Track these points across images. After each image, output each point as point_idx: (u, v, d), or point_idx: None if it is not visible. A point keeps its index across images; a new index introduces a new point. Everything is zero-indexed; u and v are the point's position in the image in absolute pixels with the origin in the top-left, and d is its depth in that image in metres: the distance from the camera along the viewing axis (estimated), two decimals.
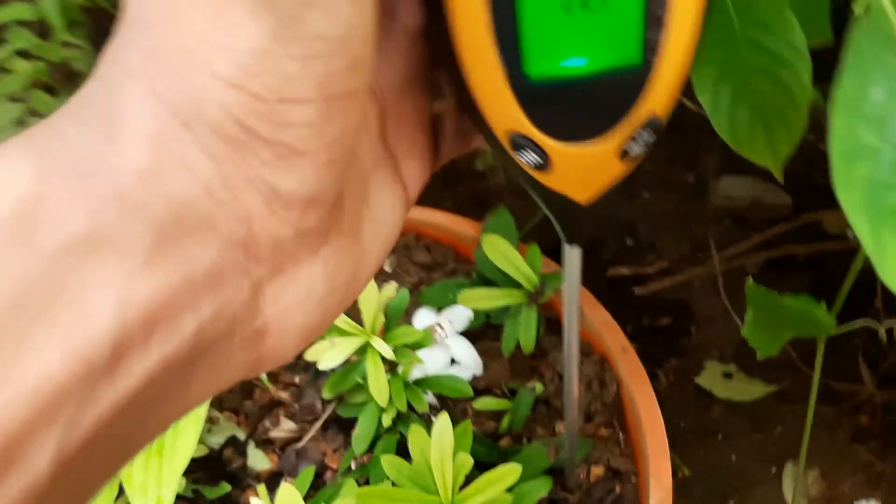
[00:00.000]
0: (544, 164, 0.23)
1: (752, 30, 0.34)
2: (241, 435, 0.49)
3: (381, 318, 0.46)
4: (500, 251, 0.49)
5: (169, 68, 0.17)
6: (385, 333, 0.46)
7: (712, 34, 0.34)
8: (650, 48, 0.21)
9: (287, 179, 0.18)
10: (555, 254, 0.56)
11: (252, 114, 0.17)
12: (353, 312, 0.49)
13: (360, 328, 0.46)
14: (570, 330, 0.33)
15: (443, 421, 0.37)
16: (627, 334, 0.71)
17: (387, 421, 0.45)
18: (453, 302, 0.52)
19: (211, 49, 0.17)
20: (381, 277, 0.56)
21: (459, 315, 0.52)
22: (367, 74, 0.19)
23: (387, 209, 0.24)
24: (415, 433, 0.38)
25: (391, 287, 0.46)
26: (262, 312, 0.19)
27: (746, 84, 0.34)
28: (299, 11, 0.16)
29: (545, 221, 0.80)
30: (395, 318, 0.47)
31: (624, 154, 0.23)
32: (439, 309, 0.53)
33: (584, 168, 0.23)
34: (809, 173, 0.77)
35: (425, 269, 0.57)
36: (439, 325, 0.50)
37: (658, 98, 0.21)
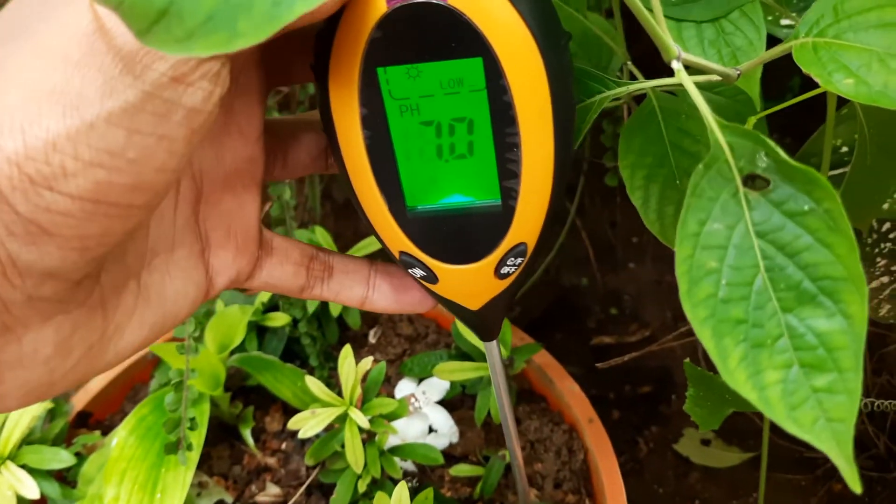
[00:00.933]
0: (431, 278, 0.27)
1: (678, 137, 0.38)
2: (229, 499, 0.52)
3: (359, 390, 0.49)
4: None
5: None
6: (363, 404, 0.50)
7: (643, 141, 0.38)
8: (509, 191, 0.25)
9: (28, 252, 0.18)
10: (531, 328, 0.59)
11: (16, 191, 0.18)
12: (336, 382, 0.52)
13: (340, 399, 0.49)
14: (505, 413, 0.36)
15: (400, 490, 0.40)
16: (609, 402, 0.74)
17: (362, 487, 0.48)
18: (433, 373, 0.55)
19: (7, 125, 0.17)
20: (366, 349, 0.60)
21: (437, 386, 0.55)
22: (156, 197, 0.20)
23: (171, 291, 0.24)
24: (380, 500, 0.42)
25: (368, 360, 0.49)
26: None
27: (673, 185, 0.38)
28: (104, 124, 0.18)
29: (521, 297, 0.84)
30: (373, 389, 0.50)
31: (498, 273, 0.27)
32: (420, 379, 0.56)
33: (467, 284, 0.27)
34: None
35: (408, 340, 0.61)
36: (414, 395, 0.54)
37: (522, 231, 0.25)
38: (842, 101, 0.38)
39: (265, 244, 0.27)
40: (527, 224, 0.25)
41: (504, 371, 0.34)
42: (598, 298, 0.82)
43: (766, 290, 0.22)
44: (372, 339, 0.61)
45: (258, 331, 0.58)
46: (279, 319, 0.57)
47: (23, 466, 0.47)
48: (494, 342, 0.32)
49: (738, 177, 0.22)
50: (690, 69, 0.26)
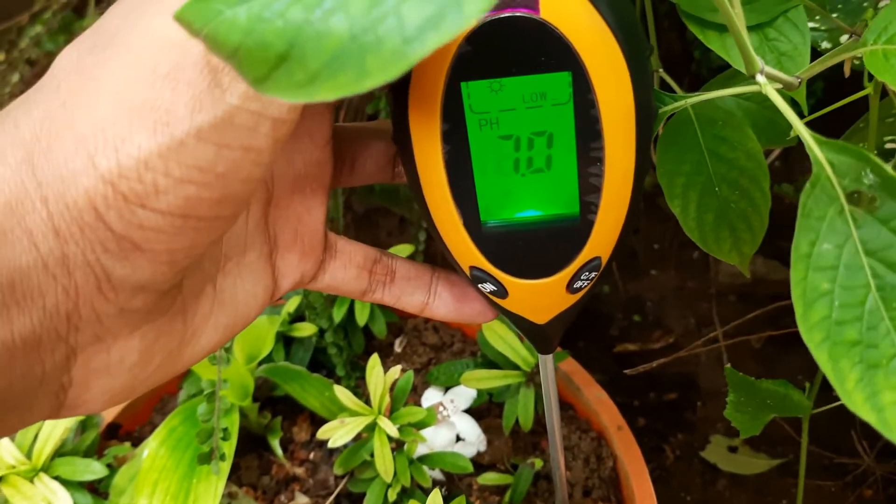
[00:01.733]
0: (501, 293, 0.27)
1: (715, 144, 0.38)
2: None
3: (388, 399, 0.49)
4: (499, 334, 0.53)
5: (54, 143, 0.18)
6: (391, 413, 0.50)
7: (680, 148, 0.38)
8: (589, 205, 0.24)
9: (122, 268, 0.19)
10: None
11: (111, 209, 0.18)
12: (363, 392, 0.52)
13: (368, 408, 0.49)
14: (553, 424, 0.36)
15: (434, 497, 0.40)
16: (635, 409, 0.74)
17: (392, 496, 0.48)
18: (459, 382, 0.55)
19: (100, 142, 0.18)
20: (391, 358, 0.60)
21: (464, 394, 0.55)
22: (242, 206, 0.20)
23: (242, 294, 0.24)
24: None
25: (396, 369, 0.49)
26: (70, 371, 0.20)
27: (711, 191, 0.38)
28: (193, 141, 0.18)
29: None
30: (401, 398, 0.50)
31: (570, 288, 0.26)
32: (446, 388, 0.56)
33: (537, 298, 0.27)
34: None
35: (434, 349, 0.61)
36: (442, 404, 0.54)
37: (599, 245, 0.25)
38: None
39: (329, 246, 0.27)
40: (603, 238, 0.25)
41: (556, 383, 0.33)
42: (620, 305, 0.82)
43: (878, 310, 0.21)
44: (398, 349, 0.61)
45: (285, 341, 0.58)
46: (306, 329, 0.57)
47: (56, 478, 0.48)
48: (551, 355, 0.32)
49: (842, 195, 0.22)
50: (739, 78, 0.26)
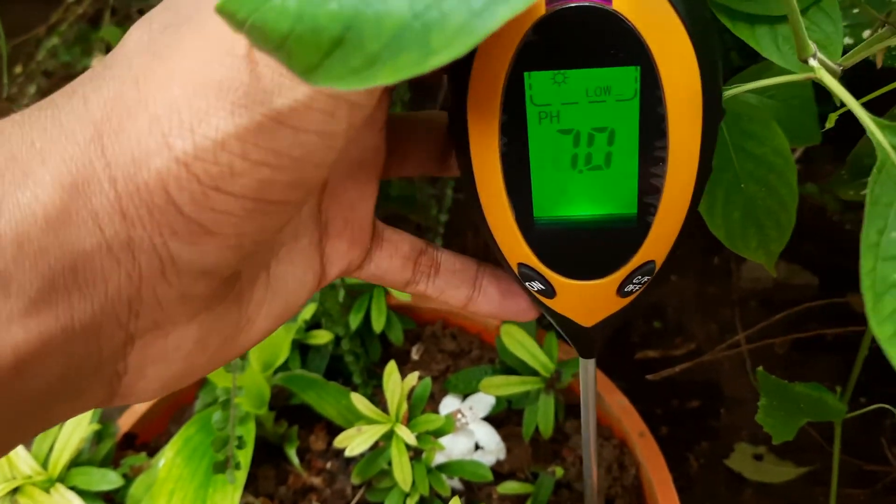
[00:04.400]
0: (549, 292, 0.26)
1: (742, 139, 0.37)
2: None
3: (405, 406, 0.49)
4: (518, 340, 0.52)
5: (126, 122, 0.17)
6: (409, 421, 0.49)
7: None
8: (647, 207, 0.24)
9: (189, 252, 0.18)
10: None
11: (183, 191, 0.17)
12: (380, 400, 0.51)
13: (386, 416, 0.48)
14: (589, 428, 0.35)
15: None
16: (657, 417, 0.73)
17: None
18: (478, 389, 0.54)
19: (175, 122, 0.17)
20: (409, 366, 0.59)
21: (482, 401, 0.54)
22: (311, 192, 0.20)
23: (292, 281, 0.24)
24: None
25: (413, 376, 0.49)
26: (126, 358, 0.20)
27: (738, 188, 0.37)
28: (272, 124, 0.17)
29: None
30: (419, 405, 0.50)
31: (621, 291, 0.25)
32: (464, 395, 0.56)
33: (586, 300, 0.26)
34: (834, 254, 0.79)
35: (452, 356, 0.60)
36: (460, 411, 0.53)
37: (654, 248, 0.24)
38: None
39: (377, 235, 0.26)
40: (659, 241, 0.24)
41: (595, 389, 0.32)
42: (640, 312, 0.81)
43: None
44: (415, 356, 0.60)
45: (301, 349, 0.58)
46: (322, 337, 0.56)
47: (72, 488, 0.47)
48: (592, 360, 0.31)
49: None
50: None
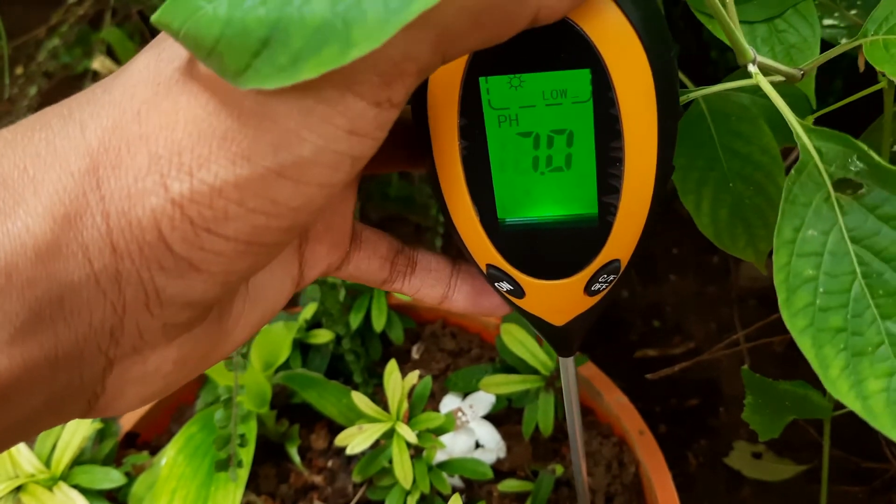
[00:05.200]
0: (518, 292, 0.26)
1: (729, 138, 0.37)
2: None
3: (406, 405, 0.49)
4: (518, 339, 0.52)
5: (125, 157, 0.17)
6: (410, 419, 0.49)
7: (693, 143, 0.38)
8: (608, 206, 0.24)
9: (175, 286, 0.18)
10: None
11: (175, 231, 0.17)
12: (381, 399, 0.52)
13: (387, 414, 0.49)
14: (574, 429, 0.35)
15: (455, 502, 0.40)
16: (656, 415, 0.73)
17: (412, 503, 0.47)
18: (478, 387, 0.54)
19: (175, 164, 0.17)
20: (409, 364, 0.60)
21: (482, 400, 0.55)
22: (302, 232, 0.20)
23: (271, 289, 0.24)
24: None
25: (414, 375, 0.49)
26: (104, 381, 0.20)
27: (726, 187, 0.37)
28: (273, 176, 0.17)
29: None
30: (419, 404, 0.50)
31: (588, 290, 0.26)
32: (464, 394, 0.56)
33: (555, 299, 0.26)
34: None
35: (452, 355, 0.60)
36: (461, 410, 0.53)
37: (618, 247, 0.25)
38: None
39: (355, 237, 0.26)
40: (623, 240, 0.24)
41: (577, 388, 0.33)
42: (639, 311, 0.81)
43: (864, 297, 0.21)
44: (415, 355, 0.60)
45: (302, 348, 0.58)
46: (323, 336, 0.57)
47: (75, 487, 0.48)
48: (571, 358, 0.31)
49: (829, 181, 0.22)
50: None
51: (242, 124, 0.17)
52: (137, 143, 0.17)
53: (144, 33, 0.78)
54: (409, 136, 0.27)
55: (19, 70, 0.75)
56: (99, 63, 0.72)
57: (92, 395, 0.20)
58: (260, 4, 0.16)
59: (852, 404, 0.21)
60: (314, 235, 0.24)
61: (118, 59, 0.74)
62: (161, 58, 0.19)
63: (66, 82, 0.78)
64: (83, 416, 0.21)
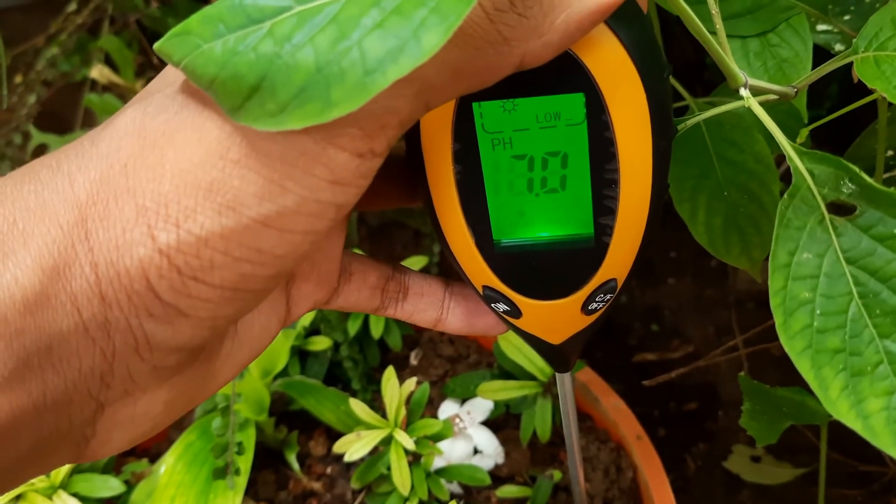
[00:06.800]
0: (515, 313, 0.26)
1: (723, 147, 0.37)
2: None
3: (404, 411, 0.49)
4: (515, 345, 0.52)
5: (113, 209, 0.18)
6: (408, 426, 0.49)
7: (688, 152, 0.38)
8: (603, 227, 0.24)
9: (164, 331, 0.19)
10: None
11: (163, 279, 0.18)
12: (379, 405, 0.52)
13: (385, 421, 0.49)
14: (571, 439, 0.35)
15: None
16: (655, 419, 0.73)
17: None
18: (476, 393, 0.55)
19: (162, 216, 0.18)
20: (407, 371, 0.60)
21: (480, 406, 0.55)
22: (287, 277, 0.20)
23: (258, 328, 0.24)
24: None
25: (412, 381, 0.49)
26: (94, 424, 0.20)
27: (720, 196, 0.37)
28: (258, 226, 0.18)
29: None
30: (417, 410, 0.50)
31: (585, 309, 0.26)
32: (463, 400, 0.56)
33: (552, 319, 0.27)
34: None
35: (450, 361, 0.60)
36: (459, 416, 0.53)
37: (614, 267, 0.25)
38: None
39: (344, 269, 0.26)
40: (619, 260, 0.25)
41: (574, 400, 0.33)
42: (637, 315, 0.81)
43: (861, 318, 0.21)
44: (413, 361, 0.60)
45: (300, 355, 0.58)
46: (321, 343, 0.57)
47: (74, 495, 0.48)
48: (568, 373, 0.31)
49: (822, 204, 0.22)
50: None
51: (227, 175, 0.17)
52: (125, 196, 0.18)
53: (142, 41, 0.78)
54: (402, 173, 0.27)
55: (18, 78, 0.76)
56: (97, 71, 0.72)
57: (82, 438, 0.20)
58: (251, 50, 0.16)
59: (853, 424, 0.21)
60: (301, 274, 0.24)
61: (116, 67, 0.74)
62: (147, 112, 0.19)
63: (65, 91, 0.78)
64: (74, 460, 0.21)
